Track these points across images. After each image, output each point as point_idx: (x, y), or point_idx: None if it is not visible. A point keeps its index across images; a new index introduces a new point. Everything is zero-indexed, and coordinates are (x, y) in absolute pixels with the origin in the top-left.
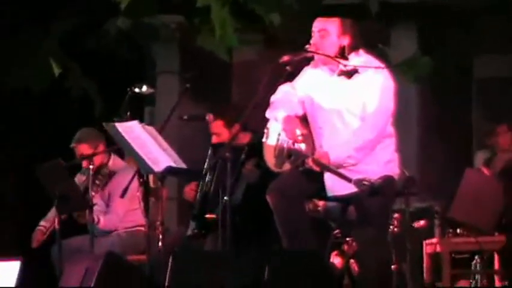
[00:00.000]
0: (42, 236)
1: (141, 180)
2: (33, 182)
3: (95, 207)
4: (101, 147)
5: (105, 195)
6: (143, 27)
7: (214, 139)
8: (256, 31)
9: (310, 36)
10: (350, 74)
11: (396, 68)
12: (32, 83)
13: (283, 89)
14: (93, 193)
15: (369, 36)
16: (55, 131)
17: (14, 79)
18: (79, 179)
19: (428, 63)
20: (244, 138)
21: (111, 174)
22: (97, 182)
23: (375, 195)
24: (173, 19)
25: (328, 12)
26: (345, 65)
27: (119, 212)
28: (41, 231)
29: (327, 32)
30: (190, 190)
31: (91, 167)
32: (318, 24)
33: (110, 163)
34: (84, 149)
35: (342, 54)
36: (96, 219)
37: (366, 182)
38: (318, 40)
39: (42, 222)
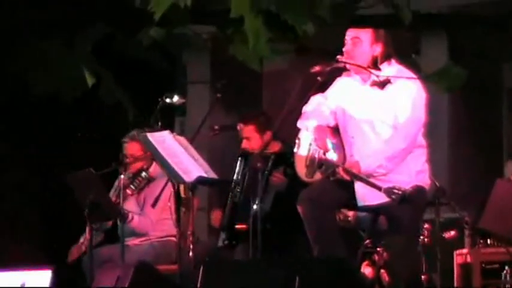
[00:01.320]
0: (79, 252)
1: (172, 190)
2: (62, 191)
3: (129, 209)
4: (149, 153)
5: (140, 199)
6: (175, 37)
7: (245, 143)
8: (287, 41)
9: (341, 46)
10: (383, 84)
11: (428, 79)
12: (63, 91)
13: (315, 100)
14: (129, 191)
15: (400, 46)
16: (85, 139)
17: (46, 86)
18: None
19: (461, 73)
20: (275, 147)
21: (150, 180)
22: (135, 184)
23: (405, 204)
24: (205, 29)
25: (361, 22)
26: (378, 76)
27: (152, 218)
28: (79, 246)
29: (360, 40)
30: (216, 218)
31: (122, 176)
32: (351, 32)
33: (151, 169)
34: (134, 147)
35: (375, 64)
36: (130, 217)
37: (396, 191)
38: (351, 48)
39: (81, 239)
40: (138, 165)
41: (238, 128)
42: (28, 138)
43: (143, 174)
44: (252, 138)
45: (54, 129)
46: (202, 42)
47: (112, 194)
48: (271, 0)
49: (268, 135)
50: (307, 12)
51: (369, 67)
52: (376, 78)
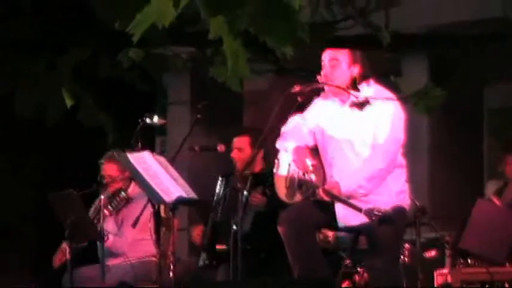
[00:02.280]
0: (63, 256)
1: (152, 210)
2: (45, 210)
3: (107, 229)
4: (127, 173)
5: (118, 219)
6: (155, 58)
7: (235, 153)
8: (268, 62)
9: (320, 66)
10: (362, 105)
11: (407, 99)
12: (45, 113)
13: (294, 120)
14: (106, 212)
15: (380, 66)
16: (66, 159)
17: (26, 109)
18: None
19: (440, 94)
20: (259, 165)
21: (129, 200)
22: (112, 205)
23: (386, 225)
24: (184, 50)
25: (340, 43)
26: (356, 97)
27: (128, 238)
28: (62, 252)
29: (338, 61)
30: (197, 235)
31: (102, 197)
32: (328, 54)
33: (130, 189)
34: (111, 168)
35: (354, 85)
36: (106, 237)
37: (376, 212)
38: (329, 70)
39: (64, 244)
40: (117, 185)
41: (218, 148)
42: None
43: (122, 194)
44: (243, 149)
45: (65, 157)
46: (181, 63)
47: (91, 213)
48: (249, 22)
49: (260, 152)
50: (286, 34)
51: (347, 88)
52: (354, 99)
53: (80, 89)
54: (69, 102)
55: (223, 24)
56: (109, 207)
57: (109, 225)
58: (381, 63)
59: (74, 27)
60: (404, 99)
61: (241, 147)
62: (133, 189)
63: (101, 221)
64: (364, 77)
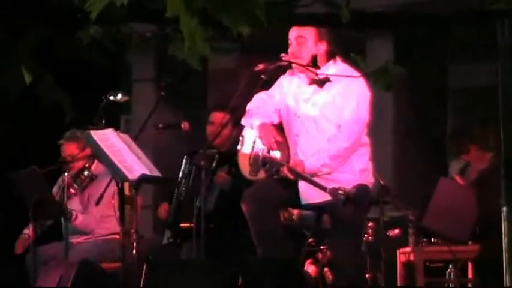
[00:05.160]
0: (26, 241)
1: (116, 187)
2: (6, 190)
3: (72, 208)
4: (88, 151)
5: (84, 198)
6: (116, 35)
7: (215, 127)
8: (228, 40)
9: (284, 44)
10: (322, 82)
11: (367, 77)
12: (5, 90)
13: (259, 97)
14: (72, 190)
15: (345, 45)
16: (26, 138)
17: None
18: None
19: (400, 71)
20: (227, 144)
21: (93, 178)
22: (78, 182)
23: (350, 204)
24: (148, 27)
25: (300, 21)
26: (317, 74)
27: (96, 215)
28: (25, 238)
29: (305, 38)
30: (163, 211)
31: (66, 174)
32: (294, 32)
33: (93, 167)
34: (71, 148)
35: (314, 62)
36: (74, 216)
37: (341, 191)
38: (296, 48)
39: (25, 231)
40: (79, 164)
41: (182, 126)
42: None
43: (85, 172)
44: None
45: (25, 136)
46: (145, 41)
47: (55, 192)
48: (207, 0)
49: (236, 131)
50: (242, 13)
51: (309, 65)
52: (315, 76)
53: (40, 67)
54: (28, 78)
55: (180, 2)
56: (74, 185)
57: (75, 204)
58: (346, 42)
59: (32, 7)
60: (364, 76)
61: (216, 122)
62: (96, 166)
63: (65, 199)
64: (330, 54)
